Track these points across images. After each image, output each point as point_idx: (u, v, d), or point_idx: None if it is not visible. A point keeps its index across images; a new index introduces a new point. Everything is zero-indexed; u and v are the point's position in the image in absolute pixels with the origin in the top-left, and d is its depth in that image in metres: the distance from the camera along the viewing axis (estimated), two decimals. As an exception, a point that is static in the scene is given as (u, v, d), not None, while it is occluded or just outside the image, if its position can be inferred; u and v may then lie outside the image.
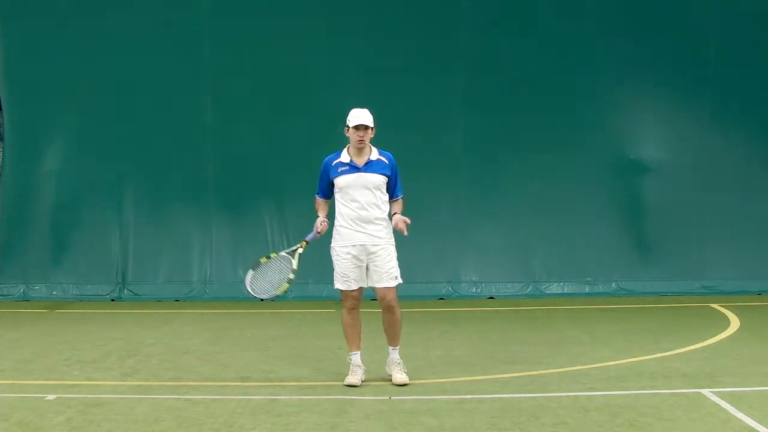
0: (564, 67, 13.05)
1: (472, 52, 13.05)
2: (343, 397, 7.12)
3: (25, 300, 12.98)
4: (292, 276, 7.44)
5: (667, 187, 13.17)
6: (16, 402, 7.03)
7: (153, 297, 12.92)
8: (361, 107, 7.54)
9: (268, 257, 7.58)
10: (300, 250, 7.54)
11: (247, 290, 7.50)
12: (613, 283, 13.07)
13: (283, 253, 7.58)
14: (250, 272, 7.52)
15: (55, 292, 13.07)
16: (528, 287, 13.04)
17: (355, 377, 7.49)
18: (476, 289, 13.05)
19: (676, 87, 13.15)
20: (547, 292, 13.00)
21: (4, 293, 13.03)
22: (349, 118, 7.45)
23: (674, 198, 13.18)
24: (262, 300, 7.59)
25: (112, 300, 12.97)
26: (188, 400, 7.07)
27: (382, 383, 7.50)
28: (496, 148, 13.05)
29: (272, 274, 7.53)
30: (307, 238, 7.57)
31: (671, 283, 13.04)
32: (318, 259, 12.97)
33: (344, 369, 7.75)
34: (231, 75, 13.05)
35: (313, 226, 7.64)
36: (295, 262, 7.48)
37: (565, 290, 13.03)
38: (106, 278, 13.08)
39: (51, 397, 7.17)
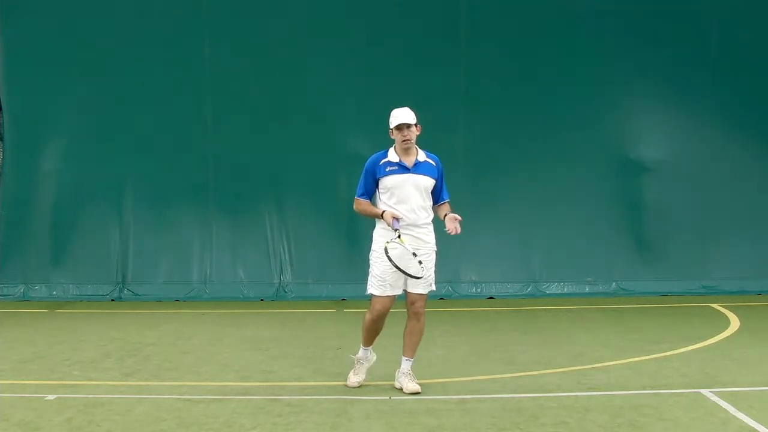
0: (564, 67, 13.06)
1: (472, 52, 13.06)
2: (343, 397, 7.12)
3: (25, 300, 12.97)
4: (416, 256, 6.94)
5: (667, 187, 13.17)
6: (16, 402, 7.03)
7: (153, 297, 12.92)
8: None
9: (388, 242, 6.98)
10: (400, 235, 6.98)
11: (406, 272, 6.93)
12: (613, 283, 13.07)
13: (392, 242, 6.96)
14: (395, 262, 6.91)
15: (55, 292, 13.06)
16: (528, 287, 13.04)
17: (358, 377, 7.42)
18: (476, 289, 13.05)
19: (676, 87, 13.16)
20: (547, 292, 13.00)
21: (4, 293, 13.03)
22: (390, 120, 7.15)
23: (674, 198, 13.18)
24: (418, 277, 7.01)
25: (112, 300, 12.96)
26: (188, 400, 7.07)
27: (382, 383, 7.48)
28: (496, 148, 13.05)
29: (412, 260, 6.94)
30: (395, 227, 6.99)
31: (671, 283, 13.04)
32: (318, 259, 13.16)
33: (344, 369, 7.74)
34: (231, 75, 13.06)
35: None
36: (407, 246, 6.94)
37: (565, 290, 13.03)
38: (106, 278, 13.08)
39: (51, 397, 7.17)
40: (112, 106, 13.08)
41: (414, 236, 7.11)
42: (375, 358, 7.52)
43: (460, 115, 13.10)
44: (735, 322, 10.59)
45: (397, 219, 7.02)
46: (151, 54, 13.05)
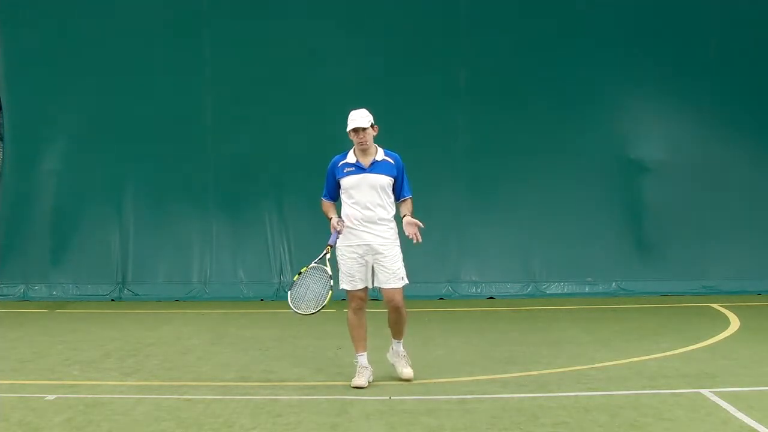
0: (564, 67, 13.06)
1: (472, 52, 13.06)
2: (343, 397, 7.12)
3: (25, 300, 12.98)
4: (331, 282, 7.31)
5: (667, 187, 13.18)
6: (16, 402, 7.02)
7: (153, 297, 12.93)
8: (360, 107, 7.47)
9: (300, 273, 7.43)
10: (327, 256, 7.40)
11: (295, 311, 7.41)
12: (613, 283, 13.07)
13: (313, 264, 7.40)
14: (290, 294, 7.40)
15: (55, 292, 13.07)
16: (528, 287, 13.04)
17: (362, 379, 7.42)
18: (476, 289, 13.05)
19: (676, 87, 13.16)
20: (547, 292, 13.00)
21: (4, 293, 13.04)
22: (347, 121, 7.38)
23: (674, 198, 13.19)
24: (312, 313, 7.42)
25: (112, 300, 12.97)
26: (188, 400, 7.07)
27: (382, 383, 7.49)
28: (496, 148, 13.06)
29: (313, 287, 7.38)
30: (330, 242, 7.41)
31: (671, 283, 13.03)
32: (318, 259, 13.16)
33: (344, 369, 7.75)
34: (231, 75, 13.06)
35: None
36: (328, 269, 7.34)
37: (565, 290, 13.03)
38: (106, 278, 13.09)
39: (51, 397, 7.17)
40: (112, 106, 13.09)
41: (372, 233, 7.37)
42: (371, 377, 7.53)
43: (460, 115, 13.10)
44: (735, 322, 10.59)
45: (339, 232, 7.34)
46: (151, 54, 13.06)
